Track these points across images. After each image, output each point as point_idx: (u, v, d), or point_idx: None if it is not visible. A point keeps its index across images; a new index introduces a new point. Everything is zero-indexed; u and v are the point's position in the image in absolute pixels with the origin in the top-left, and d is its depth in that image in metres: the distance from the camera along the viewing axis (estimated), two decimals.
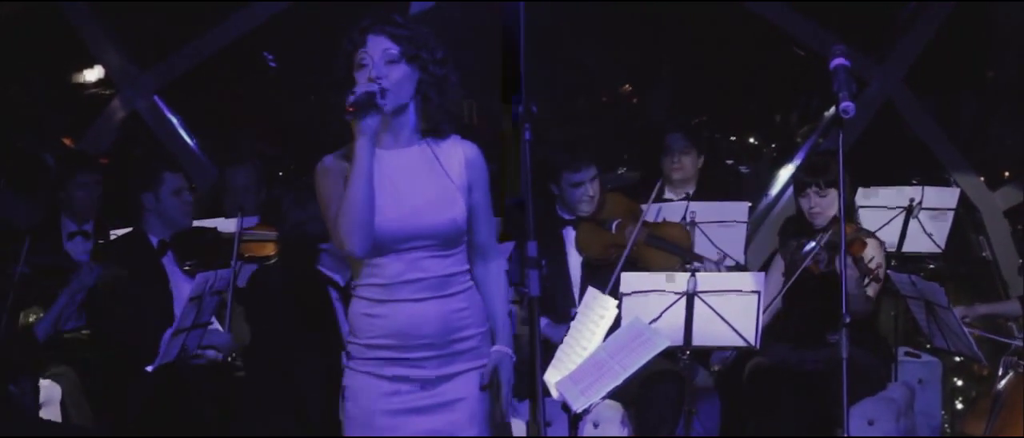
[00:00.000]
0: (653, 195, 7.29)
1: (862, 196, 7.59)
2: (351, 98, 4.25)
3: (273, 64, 10.06)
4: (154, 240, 6.92)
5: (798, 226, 7.17)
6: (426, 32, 4.46)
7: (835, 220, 6.82)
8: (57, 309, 6.68)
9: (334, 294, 5.73)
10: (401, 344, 4.40)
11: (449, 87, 4.47)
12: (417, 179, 4.43)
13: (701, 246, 7.38)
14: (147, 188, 6.90)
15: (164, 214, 6.91)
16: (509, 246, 6.74)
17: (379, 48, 4.37)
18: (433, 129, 4.48)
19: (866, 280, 6.50)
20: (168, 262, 6.93)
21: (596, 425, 6.67)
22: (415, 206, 4.38)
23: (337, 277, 5.74)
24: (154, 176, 6.90)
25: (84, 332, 7.17)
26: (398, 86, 4.36)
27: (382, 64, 4.36)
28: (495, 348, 4.56)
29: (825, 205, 6.90)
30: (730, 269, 7.02)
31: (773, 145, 10.41)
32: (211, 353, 6.70)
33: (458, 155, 4.51)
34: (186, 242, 6.96)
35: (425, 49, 4.41)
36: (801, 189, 7.00)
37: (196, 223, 7.21)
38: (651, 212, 7.35)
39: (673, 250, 7.12)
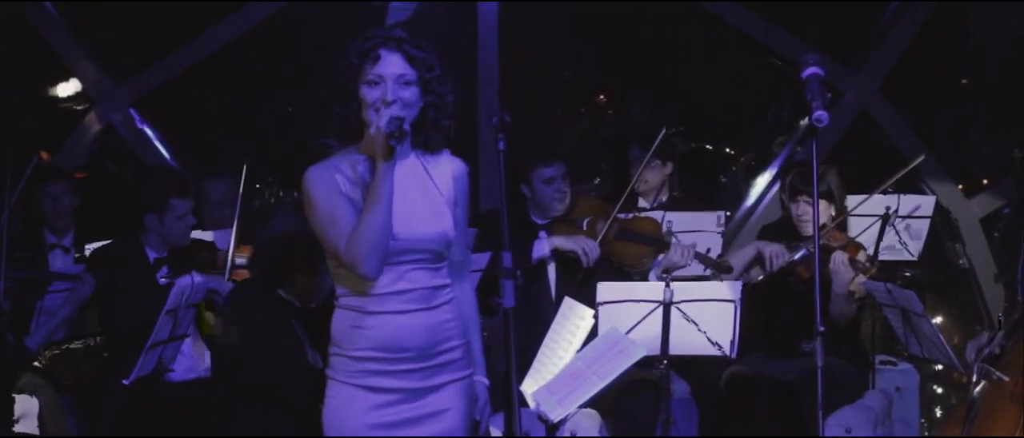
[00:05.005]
0: (622, 200, 7.29)
1: (852, 204, 7.61)
2: (387, 127, 4.25)
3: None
4: (151, 254, 6.91)
5: (777, 233, 7.20)
6: (432, 51, 4.47)
7: (822, 228, 6.87)
8: (56, 321, 6.68)
9: (288, 312, 5.71)
10: (388, 356, 4.41)
11: (447, 106, 4.49)
12: (409, 192, 4.44)
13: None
14: (152, 209, 6.86)
15: (165, 235, 6.90)
16: (484, 257, 6.73)
17: (394, 69, 4.37)
18: (424, 143, 4.49)
19: (863, 278, 6.57)
20: (161, 277, 6.93)
21: (573, 434, 6.67)
22: (407, 219, 4.39)
23: (294, 301, 5.72)
24: (162, 201, 6.85)
25: (64, 346, 7.16)
26: (410, 108, 4.38)
27: (398, 85, 4.36)
28: (476, 379, 4.63)
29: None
30: (701, 256, 7.02)
31: (750, 154, 10.42)
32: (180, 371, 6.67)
33: (447, 170, 4.55)
34: (182, 259, 6.94)
35: (432, 70, 4.44)
36: (793, 196, 7.04)
37: (195, 234, 7.19)
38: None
39: (644, 241, 7.11)
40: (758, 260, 7.07)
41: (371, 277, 4.34)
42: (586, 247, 6.98)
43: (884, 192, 7.55)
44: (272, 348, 5.57)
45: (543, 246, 7.05)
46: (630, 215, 7.37)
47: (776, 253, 6.92)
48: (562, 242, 7.05)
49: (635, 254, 7.11)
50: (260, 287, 5.78)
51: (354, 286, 4.43)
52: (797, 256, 6.92)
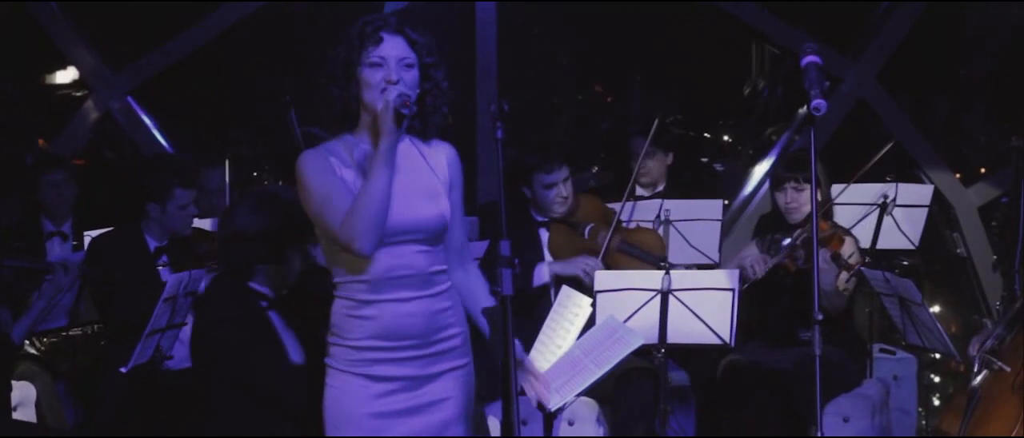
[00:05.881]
0: (625, 197, 7.26)
1: (836, 193, 7.59)
2: (396, 101, 4.28)
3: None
4: (151, 243, 6.90)
5: (775, 223, 7.18)
6: (430, 38, 4.50)
7: (808, 219, 6.84)
8: (35, 312, 6.65)
9: (263, 303, 5.70)
10: (388, 344, 4.42)
11: (443, 93, 4.51)
12: (405, 175, 4.44)
13: (675, 243, 7.38)
14: (155, 198, 6.85)
15: (166, 225, 6.89)
16: (483, 245, 6.72)
17: (397, 52, 4.40)
18: (421, 129, 4.51)
19: (846, 275, 6.52)
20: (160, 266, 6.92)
21: (571, 423, 6.67)
22: (405, 200, 4.40)
23: (266, 290, 5.71)
24: (166, 190, 6.84)
25: (62, 334, 7.16)
26: (412, 91, 4.39)
27: (400, 67, 4.38)
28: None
29: (802, 200, 6.91)
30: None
31: (747, 144, 10.43)
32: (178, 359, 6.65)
33: (442, 153, 4.57)
34: (183, 249, 6.93)
35: (431, 55, 4.47)
36: (778, 184, 7.01)
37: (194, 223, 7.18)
38: (625, 212, 7.33)
39: (646, 258, 7.08)
40: (743, 277, 7.05)
41: (366, 253, 4.33)
42: (587, 267, 6.92)
43: (868, 178, 7.54)
44: (249, 347, 5.55)
45: (542, 274, 7.01)
46: (633, 220, 7.33)
47: (755, 261, 6.87)
48: (561, 268, 6.99)
49: (635, 268, 7.06)
50: (229, 284, 5.76)
51: (353, 273, 4.43)
52: (781, 254, 6.87)
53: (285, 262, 5.67)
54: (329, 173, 4.37)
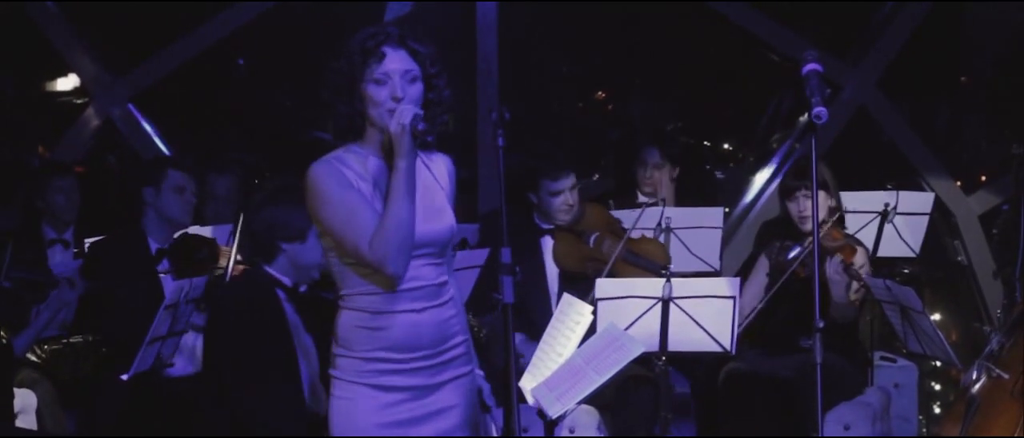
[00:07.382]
0: (637, 219, 7.24)
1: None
2: (412, 123, 4.24)
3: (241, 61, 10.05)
4: (152, 245, 6.89)
5: (780, 230, 7.18)
6: (432, 46, 4.46)
7: (823, 223, 6.85)
8: (40, 324, 6.65)
9: (281, 294, 5.74)
10: (399, 356, 4.40)
11: (444, 101, 4.48)
12: (417, 190, 4.40)
13: (676, 251, 7.38)
14: (149, 182, 6.86)
15: (163, 210, 6.87)
16: (483, 253, 6.72)
17: (400, 66, 4.35)
18: (422, 141, 4.48)
19: (856, 285, 6.52)
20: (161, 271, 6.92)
21: (572, 431, 6.66)
22: (418, 216, 4.36)
23: (285, 279, 5.74)
24: (159, 170, 6.87)
25: (64, 341, 7.14)
26: (416, 104, 4.35)
27: (405, 82, 4.34)
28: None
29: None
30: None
31: (748, 152, 10.42)
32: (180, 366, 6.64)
33: (442, 165, 4.57)
34: (182, 254, 6.91)
35: (433, 65, 4.43)
36: (790, 193, 7.01)
37: (194, 230, 7.16)
38: (627, 221, 7.33)
39: (650, 266, 7.07)
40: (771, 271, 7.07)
41: (399, 275, 4.31)
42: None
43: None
44: (258, 329, 5.59)
45: None
46: (637, 234, 7.31)
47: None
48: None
49: (637, 277, 7.06)
50: (249, 270, 5.82)
51: (362, 285, 4.40)
52: (796, 262, 6.88)
53: (306, 243, 5.71)
54: (347, 187, 4.33)
